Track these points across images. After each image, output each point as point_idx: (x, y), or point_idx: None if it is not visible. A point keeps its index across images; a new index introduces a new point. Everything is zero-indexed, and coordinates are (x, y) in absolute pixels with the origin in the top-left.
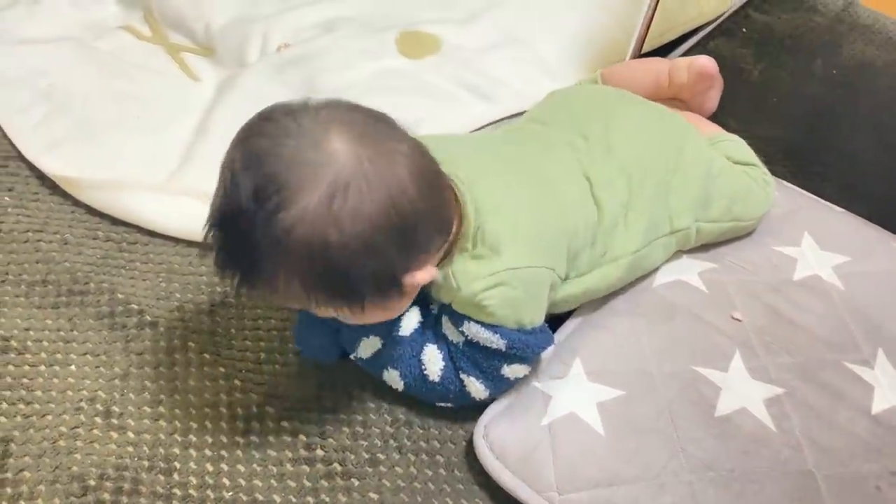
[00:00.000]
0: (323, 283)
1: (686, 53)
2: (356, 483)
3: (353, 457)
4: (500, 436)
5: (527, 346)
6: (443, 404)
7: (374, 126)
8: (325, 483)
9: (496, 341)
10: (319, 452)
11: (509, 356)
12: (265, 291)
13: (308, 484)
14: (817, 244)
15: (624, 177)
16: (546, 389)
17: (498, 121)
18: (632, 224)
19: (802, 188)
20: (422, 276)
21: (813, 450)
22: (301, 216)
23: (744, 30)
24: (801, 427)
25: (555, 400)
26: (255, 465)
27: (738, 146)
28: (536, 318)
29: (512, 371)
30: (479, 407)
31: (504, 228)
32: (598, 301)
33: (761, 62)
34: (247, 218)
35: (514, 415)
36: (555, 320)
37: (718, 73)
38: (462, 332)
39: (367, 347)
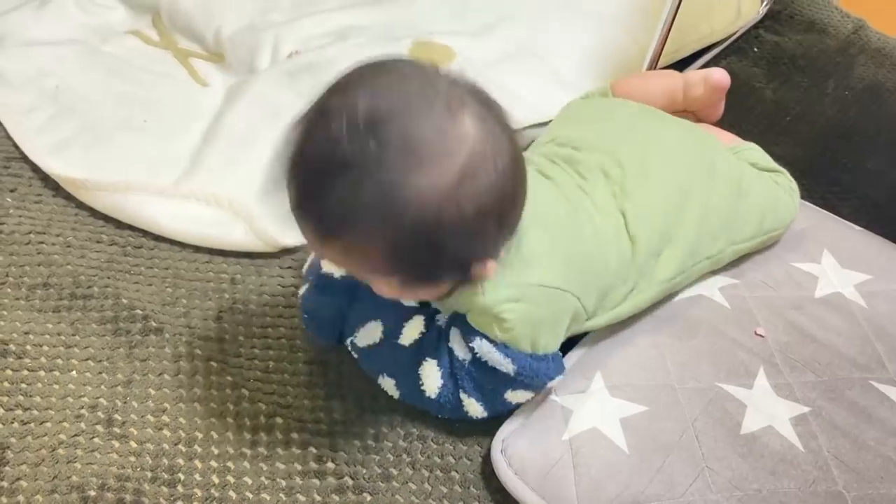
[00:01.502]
0: (412, 258)
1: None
2: (368, 498)
3: (365, 471)
4: (519, 451)
5: (536, 375)
6: (441, 416)
7: (496, 106)
8: (336, 497)
9: (506, 365)
10: (330, 465)
11: (516, 382)
12: (340, 249)
13: (318, 498)
14: (837, 262)
15: (662, 204)
16: (566, 404)
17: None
18: (667, 255)
19: (819, 207)
20: (490, 267)
21: (841, 470)
22: (429, 185)
23: (755, 49)
24: (828, 447)
25: (576, 415)
26: (263, 478)
27: (760, 153)
28: (552, 343)
29: (514, 396)
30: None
31: (542, 244)
32: None
33: (773, 81)
34: (366, 173)
35: (533, 429)
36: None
37: None
38: (471, 349)
39: (366, 336)
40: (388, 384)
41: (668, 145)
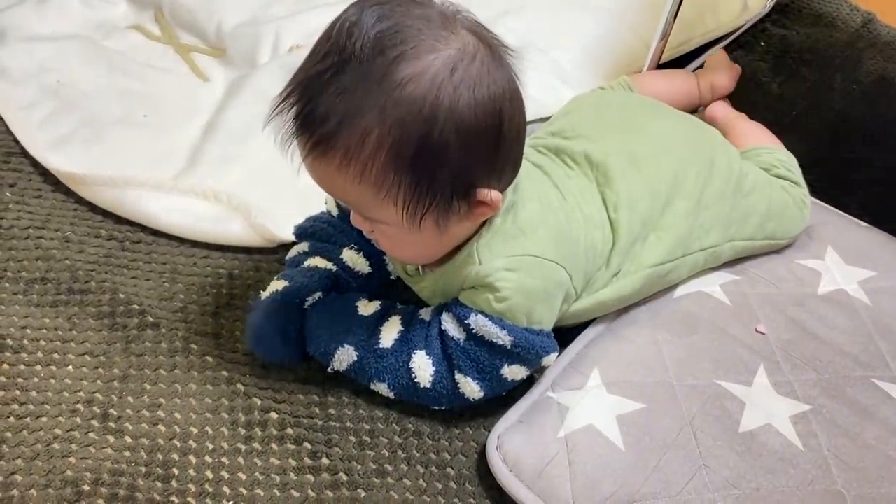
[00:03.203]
0: (412, 157)
1: (703, 65)
2: (363, 494)
3: (359, 467)
4: (514, 448)
5: (532, 347)
6: (438, 407)
7: (495, 37)
8: (330, 493)
9: (503, 337)
10: (325, 461)
11: (512, 355)
12: (341, 157)
13: (312, 494)
14: (842, 259)
15: (649, 193)
16: (562, 400)
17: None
18: (653, 241)
19: (824, 202)
20: (494, 195)
21: (841, 469)
22: (423, 71)
23: (762, 43)
24: (828, 445)
25: (572, 411)
26: (257, 474)
27: (777, 158)
28: (546, 318)
29: (511, 372)
30: (489, 415)
31: (536, 216)
32: (617, 311)
33: (780, 75)
34: (360, 65)
35: (528, 426)
36: (567, 331)
37: None
38: (467, 326)
39: (343, 359)
40: (380, 388)
41: (662, 136)
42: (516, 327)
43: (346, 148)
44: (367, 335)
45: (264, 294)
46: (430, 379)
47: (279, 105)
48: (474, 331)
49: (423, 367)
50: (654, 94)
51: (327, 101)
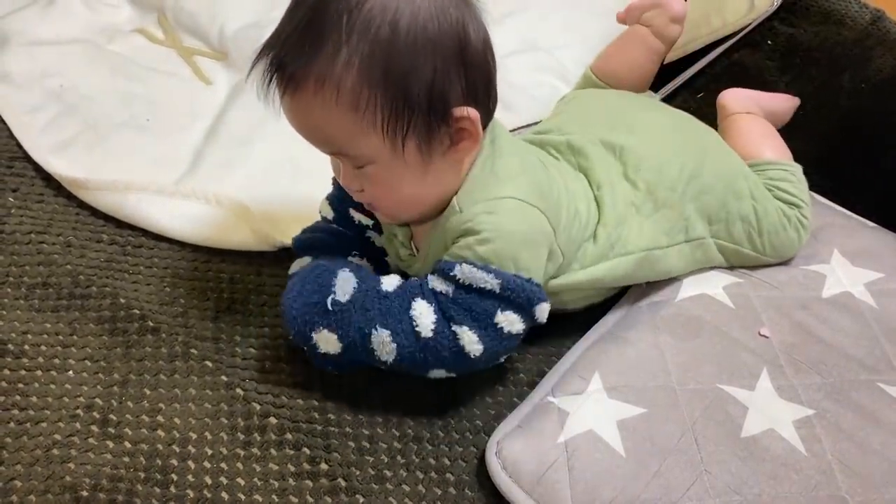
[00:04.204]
0: (382, 69)
1: (710, 65)
2: (361, 500)
3: (358, 472)
4: (513, 453)
5: (522, 290)
6: (438, 373)
7: None
8: (328, 499)
9: (490, 280)
10: (324, 467)
11: (503, 299)
12: (314, 82)
13: (311, 500)
14: (849, 260)
15: (628, 179)
16: (563, 405)
17: (518, 128)
18: (640, 223)
19: (832, 202)
20: (472, 112)
21: (846, 475)
22: None
23: (769, 42)
24: (832, 450)
25: (572, 416)
26: (255, 479)
27: (786, 178)
28: (533, 268)
29: (506, 319)
30: (488, 419)
31: (514, 167)
32: (618, 314)
33: (787, 74)
34: (319, 3)
35: (528, 431)
36: (570, 332)
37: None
38: (453, 278)
39: (343, 288)
40: (383, 338)
41: (649, 129)
42: (503, 271)
43: (317, 73)
44: (370, 278)
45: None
46: (432, 327)
47: (258, 57)
48: (461, 280)
49: (423, 313)
50: (614, 66)
51: (296, 41)
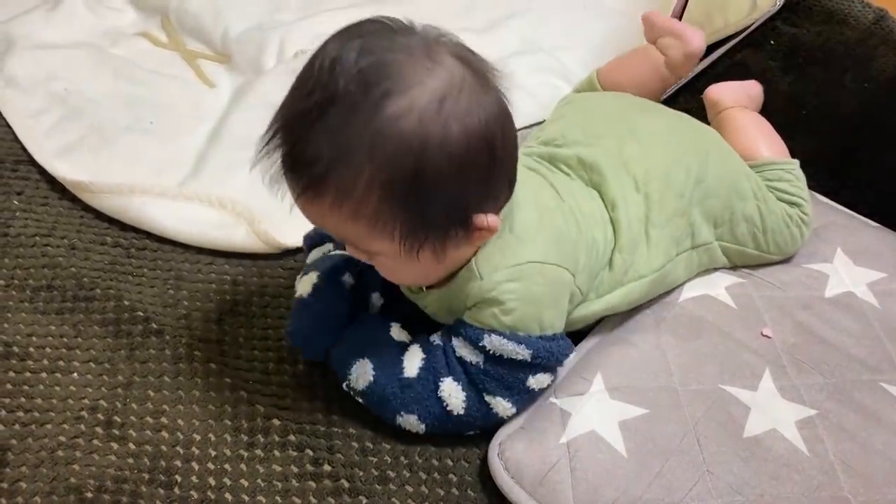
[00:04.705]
0: (405, 194)
1: (712, 65)
2: (364, 501)
3: (361, 473)
4: (515, 454)
5: (551, 354)
6: (470, 432)
7: (480, 60)
8: (331, 500)
9: (521, 352)
10: (327, 468)
11: (534, 366)
12: (333, 197)
13: (314, 501)
14: (851, 260)
15: (640, 191)
16: (565, 406)
17: (519, 130)
18: (654, 241)
19: (834, 202)
20: (492, 220)
21: (848, 475)
22: (410, 107)
23: (772, 42)
24: (834, 451)
25: (574, 417)
26: (259, 480)
27: (782, 177)
28: (557, 322)
29: (537, 382)
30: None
31: (532, 222)
32: (621, 315)
33: (789, 74)
34: (346, 103)
35: (530, 432)
36: (574, 334)
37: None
38: (483, 348)
39: (360, 375)
40: (410, 421)
41: (653, 135)
42: (531, 338)
43: (336, 189)
44: (385, 358)
45: (299, 291)
46: (463, 405)
47: (265, 145)
48: (491, 351)
49: (452, 393)
50: (621, 80)
51: (315, 141)
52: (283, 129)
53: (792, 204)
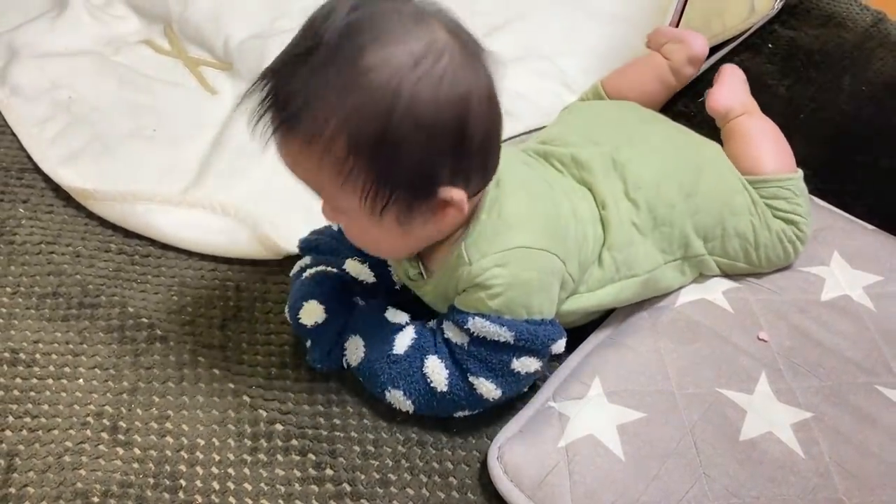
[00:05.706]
0: (370, 146)
1: (711, 69)
2: None
3: (363, 477)
4: (514, 458)
5: (535, 337)
6: (460, 413)
7: (473, 38)
8: None
9: (503, 334)
10: (329, 472)
11: (518, 349)
12: (303, 140)
13: None
14: (847, 263)
15: (629, 197)
16: (563, 410)
17: (520, 135)
18: (648, 243)
19: (832, 205)
20: (457, 194)
21: (843, 477)
22: (386, 60)
23: (770, 45)
24: (830, 453)
25: (572, 421)
26: (262, 484)
27: (777, 195)
28: (546, 309)
29: (522, 364)
30: (491, 424)
31: (521, 208)
32: (619, 319)
33: (788, 78)
34: (328, 50)
35: (529, 436)
36: (572, 337)
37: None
38: (468, 331)
39: (353, 353)
40: (396, 396)
41: (649, 144)
42: (516, 322)
43: (307, 129)
44: (382, 339)
45: (305, 320)
46: (446, 382)
47: (254, 86)
48: (475, 333)
49: (436, 370)
50: (625, 88)
51: (295, 82)
52: (272, 70)
53: (788, 222)
